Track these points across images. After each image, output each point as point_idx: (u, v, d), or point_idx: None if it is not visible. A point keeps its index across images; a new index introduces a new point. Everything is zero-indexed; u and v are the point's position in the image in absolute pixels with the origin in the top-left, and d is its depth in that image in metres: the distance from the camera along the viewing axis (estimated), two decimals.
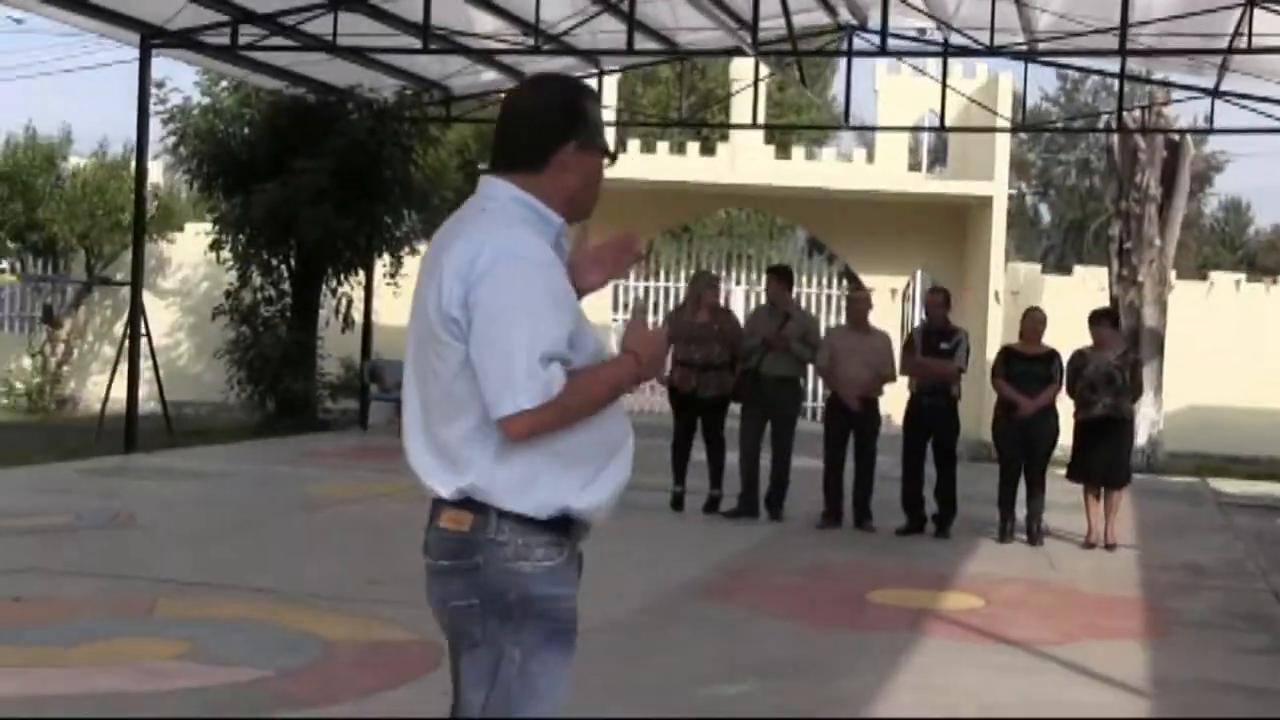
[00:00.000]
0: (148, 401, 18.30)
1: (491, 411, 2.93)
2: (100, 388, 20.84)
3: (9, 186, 20.36)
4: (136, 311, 16.17)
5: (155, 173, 21.62)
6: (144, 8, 14.22)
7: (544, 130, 3.08)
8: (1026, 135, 47.69)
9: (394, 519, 10.09)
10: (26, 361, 21.01)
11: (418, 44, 14.84)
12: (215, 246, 18.47)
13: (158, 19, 14.53)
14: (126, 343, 16.11)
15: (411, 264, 17.98)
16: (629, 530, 10.89)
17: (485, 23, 15.59)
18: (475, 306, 2.93)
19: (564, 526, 3.05)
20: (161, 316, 21.37)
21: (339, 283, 18.47)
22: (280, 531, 10.48)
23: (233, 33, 14.86)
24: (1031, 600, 8.90)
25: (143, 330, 17.30)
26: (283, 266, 18.52)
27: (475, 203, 3.13)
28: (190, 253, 21.05)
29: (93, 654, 6.46)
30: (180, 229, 21.92)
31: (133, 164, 21.11)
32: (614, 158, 3.21)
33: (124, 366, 16.11)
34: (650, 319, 3.23)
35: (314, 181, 16.97)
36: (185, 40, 15.12)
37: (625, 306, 24.18)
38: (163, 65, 15.79)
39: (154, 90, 17.20)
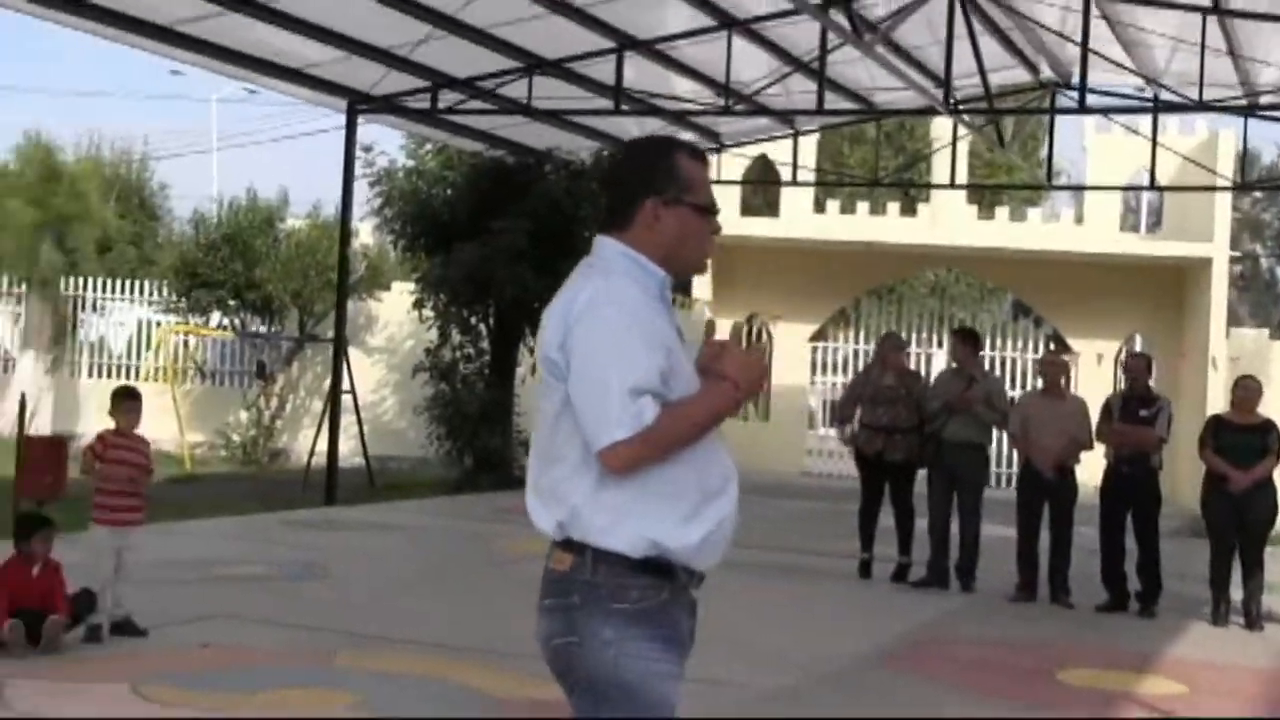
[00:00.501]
0: (354, 456, 18.95)
1: (591, 446, 3.02)
2: (310, 441, 21.58)
3: (230, 247, 21.23)
4: (339, 368, 16.67)
5: (365, 233, 22.36)
6: (352, 76, 14.72)
7: (626, 188, 3.23)
8: (1262, 194, 45.92)
9: None
10: (242, 415, 21.79)
11: (610, 106, 15.05)
12: (418, 305, 19.03)
13: (364, 86, 15.03)
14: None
15: None
16: (814, 596, 10.79)
17: (678, 84, 15.73)
18: (572, 349, 3.05)
19: (662, 569, 3.05)
20: (368, 373, 21.99)
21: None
22: (466, 587, 10.58)
23: (433, 98, 15.29)
24: (1244, 689, 8.36)
25: (347, 386, 17.94)
26: (481, 325, 18.91)
27: (586, 259, 3.26)
28: (396, 311, 21.61)
29: (269, 702, 6.60)
30: (387, 288, 22.55)
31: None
32: (712, 212, 3.27)
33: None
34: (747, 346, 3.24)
35: (512, 242, 17.30)
36: (389, 106, 15.61)
37: (824, 367, 23.98)
38: (373, 130, 16.37)
39: (361, 154, 17.85)
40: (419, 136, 18.70)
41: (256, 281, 21.15)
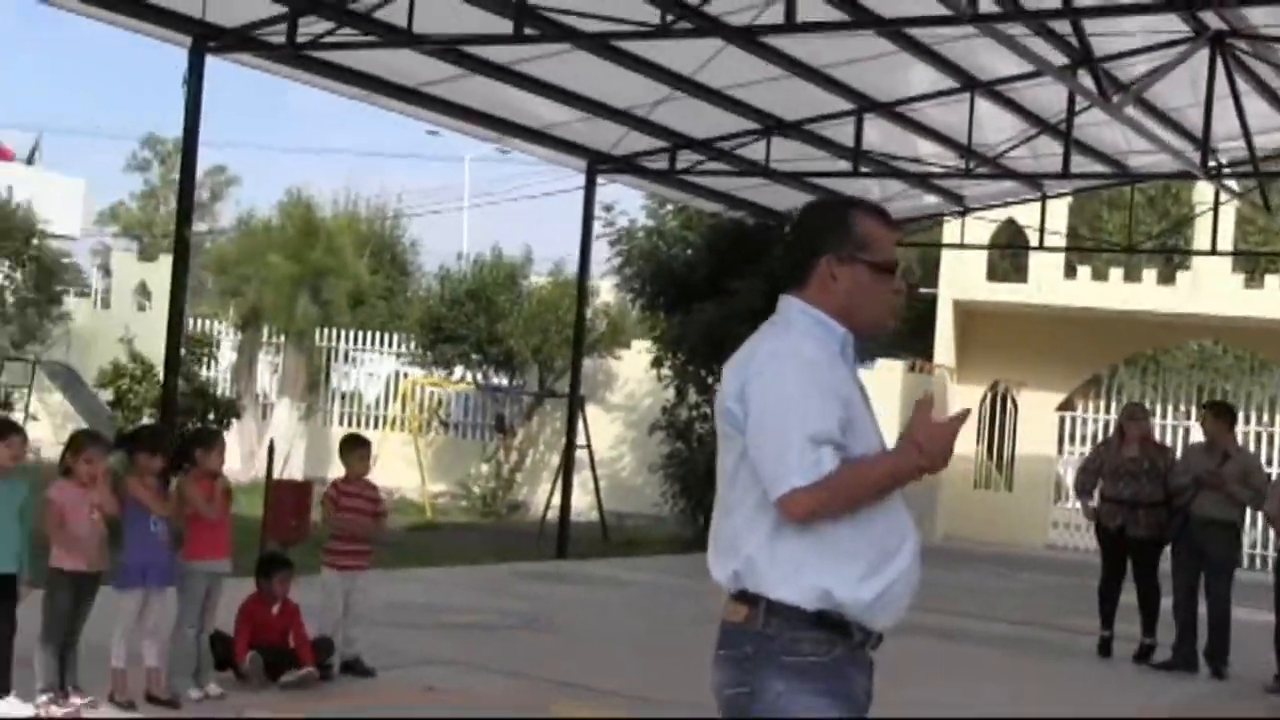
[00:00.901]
0: (590, 510, 19.17)
1: (770, 494, 3.05)
2: (547, 494, 21.89)
3: (474, 303, 21.78)
4: (573, 423, 16.88)
5: (606, 292, 22.67)
6: (592, 136, 14.96)
7: (801, 248, 3.31)
8: None
9: None
10: (483, 467, 22.24)
11: (850, 168, 14.92)
12: (656, 363, 19.24)
13: (604, 146, 15.26)
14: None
15: None
16: (1048, 675, 10.35)
17: (920, 146, 15.49)
18: (750, 399, 3.11)
19: (836, 625, 3.05)
20: (607, 429, 22.23)
21: None
22: (681, 644, 10.52)
23: (671, 158, 15.42)
24: None
25: (583, 441, 18.22)
26: (717, 385, 18.91)
27: (771, 317, 3.34)
28: (636, 369, 21.81)
29: None
30: (627, 346, 22.78)
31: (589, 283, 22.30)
32: (889, 270, 3.27)
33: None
34: (942, 414, 3.14)
35: (749, 302, 17.28)
36: (628, 165, 15.80)
37: (1074, 437, 23.20)
38: (614, 190, 16.58)
39: (603, 213, 18.15)
40: (659, 197, 18.89)
41: (499, 336, 21.62)
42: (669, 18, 10.19)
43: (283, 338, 23.75)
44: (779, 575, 3.06)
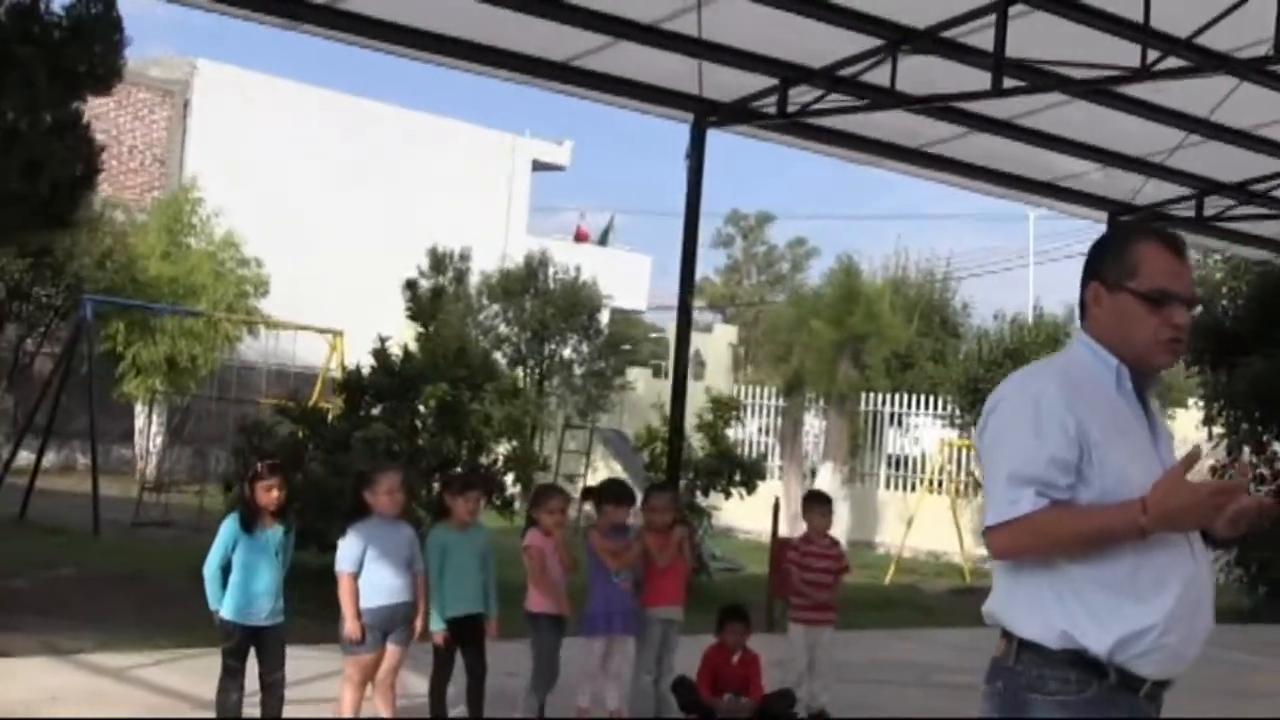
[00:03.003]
0: None
1: None
2: None
3: (1014, 363, 21.39)
4: None
5: None
6: (1111, 187, 14.42)
7: (1084, 275, 3.20)
8: None
9: None
10: None
11: None
12: (1207, 421, 18.28)
13: (1124, 196, 14.66)
14: None
15: None
16: None
17: None
18: (984, 433, 3.09)
19: (1087, 664, 2.94)
20: None
21: None
22: (1184, 710, 9.94)
23: (1199, 205, 14.56)
24: None
25: None
26: (1277, 443, 17.73)
27: None
28: (1187, 427, 20.68)
29: None
30: (1185, 405, 21.68)
31: None
32: (1157, 301, 3.05)
33: None
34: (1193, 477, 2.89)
35: None
36: (1153, 216, 15.05)
37: None
38: None
39: None
40: (1202, 247, 17.92)
41: None
42: (1151, 55, 9.72)
43: (824, 401, 24.28)
44: (1018, 612, 3.03)
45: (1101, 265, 3.13)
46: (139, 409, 23.84)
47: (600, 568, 7.47)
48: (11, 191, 9.92)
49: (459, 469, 12.42)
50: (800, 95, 11.53)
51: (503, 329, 24.71)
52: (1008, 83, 10.30)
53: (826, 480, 23.31)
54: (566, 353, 25.19)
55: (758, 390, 26.29)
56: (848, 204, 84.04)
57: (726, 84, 11.49)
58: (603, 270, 26.84)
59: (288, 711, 6.62)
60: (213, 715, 6.60)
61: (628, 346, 25.11)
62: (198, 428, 22.90)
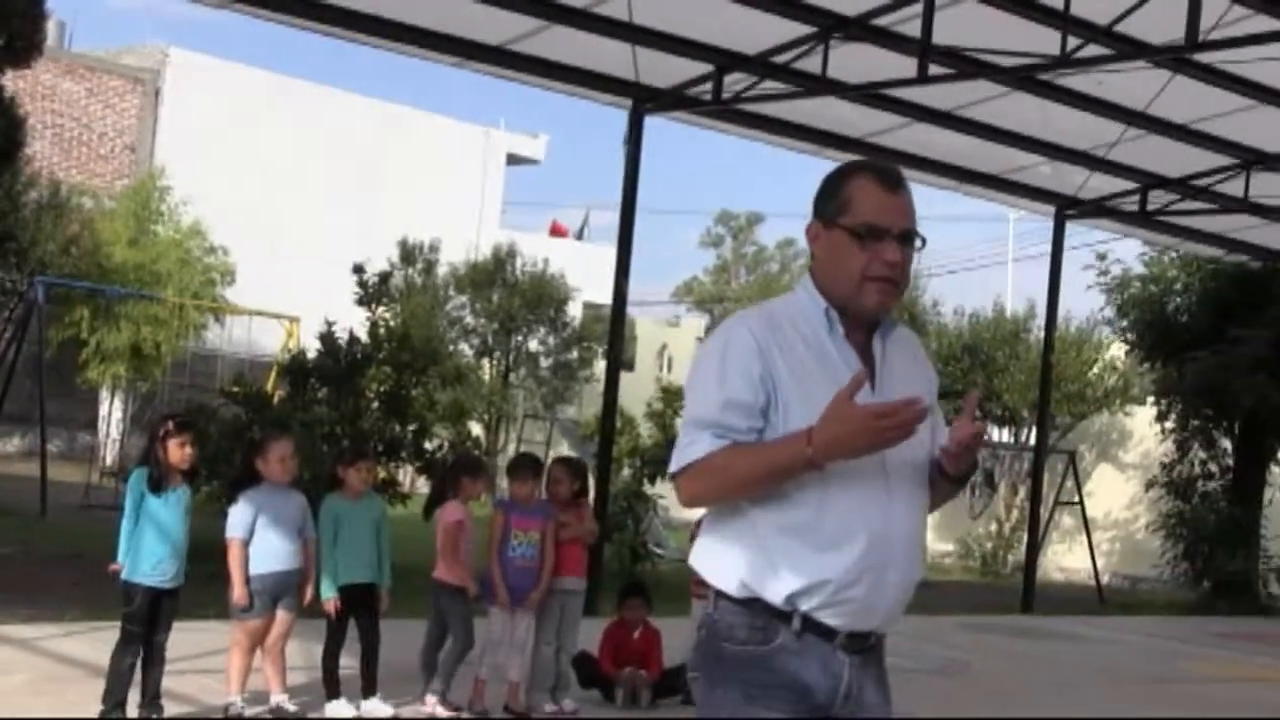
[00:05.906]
0: (1105, 572, 18.60)
1: None
2: (1057, 555, 21.20)
3: (971, 358, 21.52)
4: (1038, 476, 16.40)
5: (1118, 345, 21.74)
6: (1058, 180, 14.50)
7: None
8: None
9: (1244, 702, 9.83)
10: (979, 528, 21.81)
11: None
12: (1160, 418, 18.43)
13: (1070, 190, 14.74)
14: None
15: None
16: None
17: None
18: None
19: (776, 613, 2.84)
20: (1121, 488, 21.31)
21: None
22: (1095, 697, 10.07)
23: (1142, 199, 14.65)
24: None
25: (1076, 499, 17.77)
26: (1226, 439, 17.90)
27: None
28: (1150, 426, 20.82)
29: None
30: (1141, 402, 21.76)
31: (1093, 338, 21.56)
32: (866, 236, 2.85)
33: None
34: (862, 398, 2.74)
35: (1252, 350, 16.23)
36: (1099, 210, 15.16)
37: None
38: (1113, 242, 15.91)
39: (1097, 263, 17.69)
40: (1157, 244, 18.05)
41: (997, 393, 21.23)
42: (1071, 43, 9.79)
43: None
44: (710, 560, 2.94)
45: (820, 203, 2.94)
46: (103, 395, 23.87)
47: (503, 540, 7.51)
48: None
49: (403, 453, 12.55)
50: (735, 83, 11.62)
51: (469, 320, 24.77)
52: (934, 70, 10.39)
53: None
54: (533, 345, 25.25)
55: None
56: None
57: (663, 70, 11.57)
58: (577, 265, 26.89)
59: (178, 682, 6.63)
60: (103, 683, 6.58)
61: (589, 345, 25.07)
62: (160, 414, 22.90)
